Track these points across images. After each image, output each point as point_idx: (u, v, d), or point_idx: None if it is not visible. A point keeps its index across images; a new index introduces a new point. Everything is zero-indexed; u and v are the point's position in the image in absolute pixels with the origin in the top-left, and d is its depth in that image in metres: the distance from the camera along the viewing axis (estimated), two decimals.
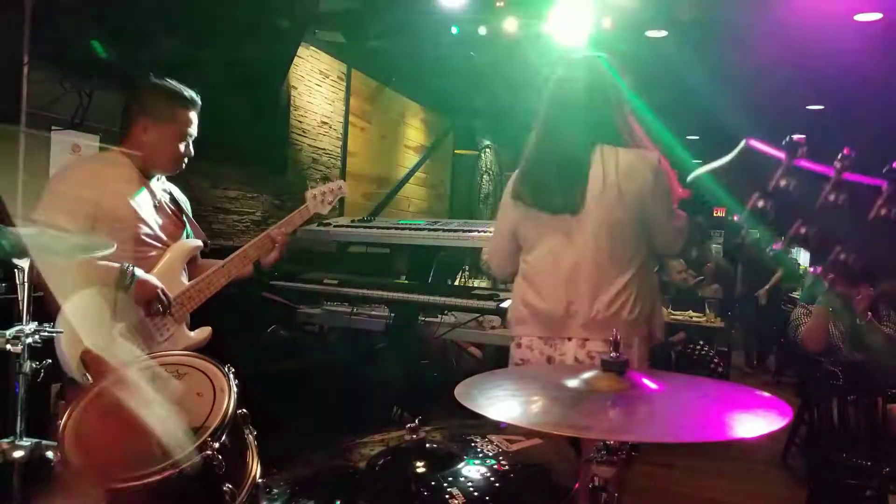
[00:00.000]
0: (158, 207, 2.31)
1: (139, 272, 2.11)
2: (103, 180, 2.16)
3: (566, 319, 2.08)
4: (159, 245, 2.27)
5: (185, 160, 2.34)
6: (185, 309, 2.30)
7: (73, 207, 2.08)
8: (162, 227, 2.29)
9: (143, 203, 2.24)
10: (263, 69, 4.42)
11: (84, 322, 1.96)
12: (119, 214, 2.16)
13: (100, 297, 2.07)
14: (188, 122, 2.29)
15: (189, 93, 2.30)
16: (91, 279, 2.04)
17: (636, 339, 2.08)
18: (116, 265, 2.06)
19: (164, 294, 2.18)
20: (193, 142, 2.34)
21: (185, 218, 2.44)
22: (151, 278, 2.16)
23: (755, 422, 1.10)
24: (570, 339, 2.09)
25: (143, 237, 2.21)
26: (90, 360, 1.94)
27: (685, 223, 2.15)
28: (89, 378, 1.93)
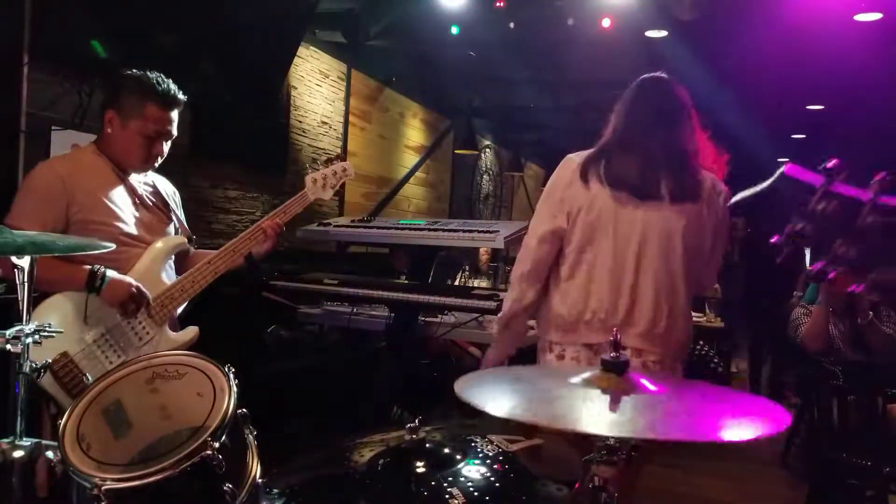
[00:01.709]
0: (138, 204, 2.20)
1: (111, 273, 2.00)
2: (74, 179, 2.05)
3: (624, 327, 1.91)
4: (140, 243, 2.15)
5: (158, 159, 2.19)
6: (167, 310, 2.15)
7: (43, 210, 2.00)
8: (143, 224, 2.18)
9: (119, 200, 2.13)
10: (263, 69, 4.43)
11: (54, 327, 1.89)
12: (93, 215, 2.05)
13: (70, 302, 1.98)
14: (159, 120, 2.12)
15: (165, 88, 2.13)
16: (56, 281, 1.95)
17: (678, 362, 2.06)
18: (87, 267, 1.96)
19: (140, 293, 2.05)
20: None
21: (170, 212, 2.31)
22: (125, 278, 2.04)
23: (752, 426, 1.09)
24: (624, 348, 2.01)
25: (121, 237, 2.09)
26: (60, 370, 1.89)
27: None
28: (59, 388, 1.88)
